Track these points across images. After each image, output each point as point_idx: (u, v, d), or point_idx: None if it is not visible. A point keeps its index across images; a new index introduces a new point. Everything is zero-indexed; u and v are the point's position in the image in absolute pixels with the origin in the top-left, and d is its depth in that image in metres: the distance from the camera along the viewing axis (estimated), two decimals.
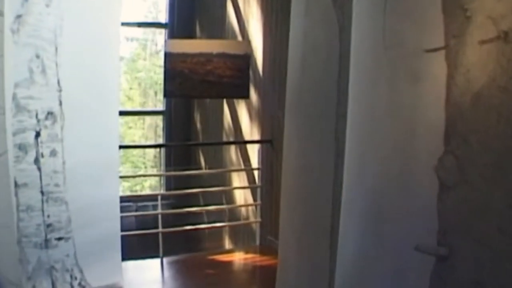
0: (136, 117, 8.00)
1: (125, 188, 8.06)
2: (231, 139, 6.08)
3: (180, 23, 7.28)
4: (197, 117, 7.33)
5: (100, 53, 4.07)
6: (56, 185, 4.02)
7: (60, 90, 3.94)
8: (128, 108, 7.99)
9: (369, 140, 2.25)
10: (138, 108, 8.03)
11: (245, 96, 4.97)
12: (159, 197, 4.93)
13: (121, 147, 5.12)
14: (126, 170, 7.83)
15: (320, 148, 3.44)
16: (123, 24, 7.44)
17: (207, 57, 4.75)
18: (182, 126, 7.50)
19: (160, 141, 7.70)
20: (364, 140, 2.30)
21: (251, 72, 5.15)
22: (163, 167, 6.40)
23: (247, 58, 4.91)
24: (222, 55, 4.77)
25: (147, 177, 7.00)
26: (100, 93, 4.11)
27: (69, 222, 4.16)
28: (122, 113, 7.53)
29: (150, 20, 7.63)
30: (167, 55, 4.76)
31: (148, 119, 7.98)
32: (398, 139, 2.15)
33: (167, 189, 7.04)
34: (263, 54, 5.32)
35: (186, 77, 4.72)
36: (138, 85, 8.04)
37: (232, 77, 4.81)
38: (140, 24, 7.22)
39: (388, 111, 2.18)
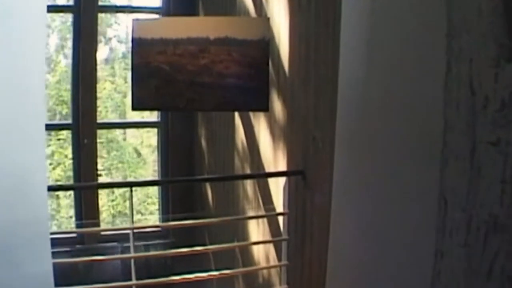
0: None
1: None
2: (246, 166, 4.60)
3: (178, 6, 5.82)
4: (202, 131, 5.89)
5: (17, 48, 2.81)
6: None
7: None
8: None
9: None
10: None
11: (263, 107, 3.37)
12: (132, 263, 3.37)
13: (69, 188, 3.59)
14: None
15: (409, 213, 1.91)
16: (101, 8, 6.04)
17: (201, 45, 3.14)
18: (183, 142, 6.15)
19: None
20: None
21: (271, 69, 3.56)
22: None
23: (265, 46, 3.28)
24: (225, 41, 3.16)
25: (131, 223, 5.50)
26: (17, 105, 2.72)
27: None
28: (101, 126, 6.25)
29: None
30: (135, 43, 3.17)
31: None
32: None
33: (165, 230, 5.89)
34: (289, 40, 3.77)
35: (165, 77, 3.13)
36: None
37: (242, 77, 3.21)
38: (121, 9, 5.66)
39: None
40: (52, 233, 4.84)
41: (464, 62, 1.70)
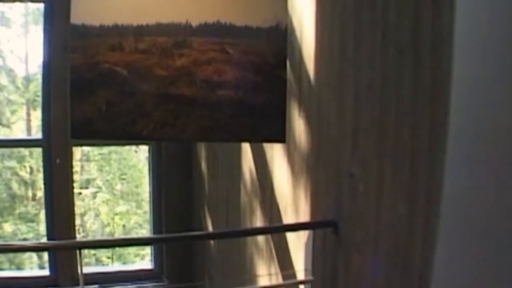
0: None
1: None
2: (255, 203, 3.57)
3: None
4: (201, 151, 4.87)
5: None
6: None
7: None
8: None
9: None
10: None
11: (277, 137, 2.24)
12: None
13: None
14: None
15: None
16: None
17: (177, 36, 2.02)
18: (179, 164, 5.11)
19: None
20: None
21: (289, 72, 2.47)
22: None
23: (280, 36, 2.16)
24: (216, 30, 2.04)
25: None
26: None
27: None
28: (78, 143, 5.27)
29: None
30: (75, 33, 2.06)
31: None
32: None
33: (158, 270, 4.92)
34: (316, 31, 2.78)
35: (121, 88, 2.03)
36: None
37: (243, 87, 2.11)
38: None
39: None
40: None
41: None
